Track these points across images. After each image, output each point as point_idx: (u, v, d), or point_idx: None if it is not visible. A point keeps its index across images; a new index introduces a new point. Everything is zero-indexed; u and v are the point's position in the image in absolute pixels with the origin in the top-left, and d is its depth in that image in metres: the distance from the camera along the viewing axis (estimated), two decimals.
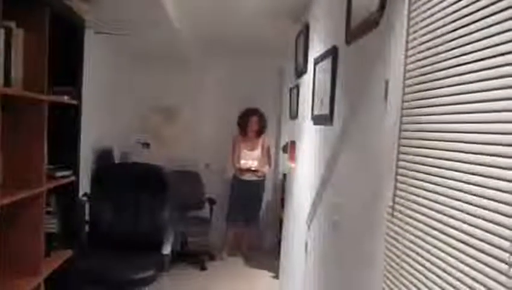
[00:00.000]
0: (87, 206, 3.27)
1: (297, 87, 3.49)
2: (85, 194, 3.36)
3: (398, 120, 1.41)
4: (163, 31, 3.30)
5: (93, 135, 3.81)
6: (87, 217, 3.19)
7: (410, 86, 1.34)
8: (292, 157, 3.53)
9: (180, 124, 4.87)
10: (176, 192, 3.98)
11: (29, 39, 1.79)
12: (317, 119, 2.63)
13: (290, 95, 3.90)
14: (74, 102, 2.18)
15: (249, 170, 4.61)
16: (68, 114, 2.21)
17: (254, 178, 4.67)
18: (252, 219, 4.69)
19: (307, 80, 3.06)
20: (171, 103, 4.91)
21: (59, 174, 2.06)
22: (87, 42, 2.62)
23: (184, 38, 3.77)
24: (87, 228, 3.12)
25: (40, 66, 1.83)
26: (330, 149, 2.30)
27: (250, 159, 4.65)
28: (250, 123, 4.68)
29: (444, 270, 1.03)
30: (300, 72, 3.36)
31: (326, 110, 2.36)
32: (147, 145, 4.73)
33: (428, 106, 1.20)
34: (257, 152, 4.69)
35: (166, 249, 2.83)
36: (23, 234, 1.83)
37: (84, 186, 3.35)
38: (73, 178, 2.19)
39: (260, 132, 4.74)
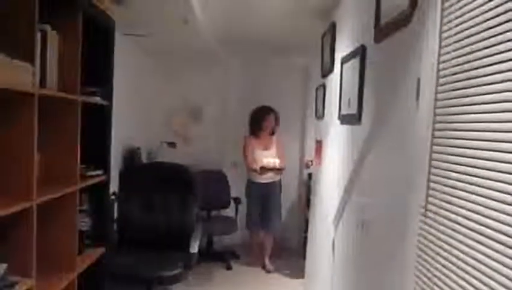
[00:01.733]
0: (115, 205, 3.33)
1: (324, 86, 3.47)
2: (113, 193, 3.42)
3: (431, 119, 1.39)
4: (189, 31, 3.34)
5: (121, 135, 3.87)
6: (115, 216, 3.25)
7: (443, 84, 1.32)
8: (318, 157, 3.51)
9: (205, 123, 4.91)
10: (201, 191, 4.02)
11: (63, 42, 1.84)
12: (345, 119, 2.61)
13: (316, 95, 3.88)
14: (105, 102, 2.22)
15: (269, 169, 4.29)
16: (98, 115, 2.26)
17: (271, 180, 4.36)
18: (273, 223, 4.40)
19: (333, 79, 3.04)
20: (197, 103, 4.96)
21: (91, 173, 2.11)
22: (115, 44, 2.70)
23: (209, 38, 3.80)
24: (115, 226, 3.18)
25: (73, 67, 1.88)
26: (358, 149, 2.28)
27: (267, 159, 4.34)
28: (266, 122, 4.38)
29: (482, 272, 1.01)
30: (326, 71, 3.35)
31: (354, 110, 2.34)
32: (172, 144, 4.79)
33: (463, 105, 1.18)
34: (272, 151, 4.38)
35: (194, 248, 2.86)
36: (58, 231, 1.88)
37: (112, 185, 3.42)
38: (104, 177, 2.23)
39: (274, 130, 4.46)
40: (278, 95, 4.65)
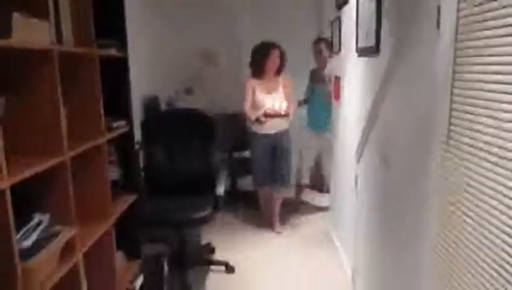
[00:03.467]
0: (140, 154, 3.43)
1: (339, 19, 3.37)
2: (137, 143, 3.50)
3: (453, 49, 1.36)
4: None
5: (138, 84, 3.90)
6: (141, 165, 3.36)
7: (464, 12, 1.28)
8: (336, 94, 3.49)
9: (221, 67, 4.86)
10: (220, 135, 4.08)
11: None
12: (363, 51, 2.57)
13: (332, 28, 3.78)
14: (121, 54, 2.23)
15: (273, 116, 3.65)
16: (115, 66, 2.27)
17: (277, 129, 3.75)
18: (284, 181, 3.89)
19: (349, 10, 2.95)
20: (210, 47, 4.89)
21: (115, 125, 2.15)
22: None
23: None
24: (142, 175, 3.29)
25: (87, 21, 1.87)
26: (377, 81, 2.26)
27: (271, 104, 3.69)
28: (270, 60, 3.70)
29: (506, 196, 1.04)
30: (341, 3, 3.24)
31: (372, 41, 2.29)
32: (189, 90, 4.80)
33: (485, 38, 1.15)
34: (279, 94, 3.73)
35: (220, 190, 2.95)
36: (92, 182, 1.96)
37: (135, 134, 3.50)
38: (128, 128, 2.28)
39: (280, 70, 3.79)
40: (291, 31, 4.50)
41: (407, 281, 1.79)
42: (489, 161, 1.12)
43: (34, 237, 1.44)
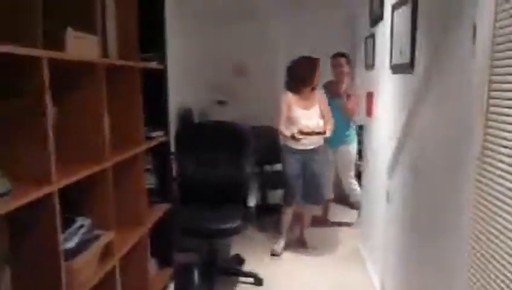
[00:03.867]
0: (174, 165, 3.52)
1: (373, 36, 3.39)
2: (171, 153, 3.60)
3: (488, 65, 1.36)
4: None
5: (173, 96, 4.02)
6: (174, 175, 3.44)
7: (501, 28, 1.28)
8: (370, 109, 3.49)
9: (254, 79, 4.93)
10: (253, 147, 4.13)
11: (120, 10, 1.92)
12: (396, 68, 2.57)
13: (365, 45, 3.80)
14: (161, 67, 2.32)
15: (310, 135, 3.47)
16: (155, 78, 2.36)
17: (313, 146, 3.59)
18: (318, 199, 3.77)
19: (383, 27, 2.97)
20: (244, 60, 4.98)
21: (153, 134, 2.24)
22: None
23: None
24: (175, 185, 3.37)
25: (131, 35, 1.97)
26: (411, 98, 2.26)
27: (309, 120, 3.53)
28: (317, 75, 3.61)
29: None
30: (375, 19, 3.26)
31: (406, 58, 2.30)
32: (222, 102, 4.89)
33: None
34: (316, 111, 3.60)
35: (251, 202, 2.99)
36: (129, 189, 2.04)
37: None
38: (165, 138, 2.37)
39: (315, 87, 3.68)
40: (323, 47, 4.53)
41: None
42: None
43: (76, 239, 1.52)
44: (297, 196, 3.66)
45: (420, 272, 2.06)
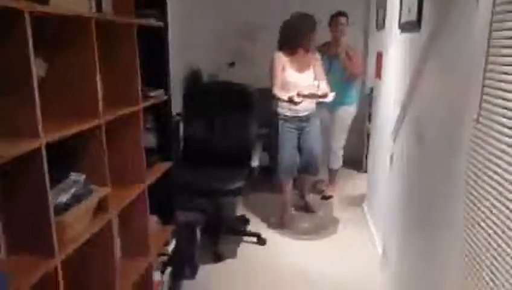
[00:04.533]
0: (181, 124, 3.53)
1: None
2: (178, 114, 3.61)
3: (489, 22, 1.29)
4: None
5: (182, 57, 3.98)
6: (181, 135, 3.46)
7: None
8: (379, 71, 3.40)
9: (264, 41, 4.83)
10: (260, 109, 4.10)
11: None
12: (405, 27, 2.48)
13: (377, 4, 3.66)
14: (160, 24, 2.28)
15: (310, 98, 3.15)
16: (155, 37, 2.33)
17: (307, 112, 3.34)
18: (313, 168, 3.54)
19: None
20: (254, 21, 4.87)
21: (152, 94, 2.22)
22: None
23: None
24: (182, 145, 3.39)
25: None
26: (416, 58, 2.18)
27: (305, 84, 3.22)
28: (314, 34, 3.29)
29: None
30: None
31: (413, 16, 2.21)
32: (232, 64, 4.83)
33: None
34: (311, 74, 3.31)
35: (255, 162, 2.99)
36: (127, 147, 2.05)
37: (177, 106, 3.60)
38: (165, 97, 2.35)
39: (310, 49, 3.38)
40: (337, 6, 4.37)
41: (433, 260, 1.76)
42: None
43: (69, 194, 1.54)
44: (290, 171, 3.40)
45: (418, 234, 2.05)
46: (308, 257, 3.10)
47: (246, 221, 3.55)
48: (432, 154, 1.87)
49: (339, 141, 4.06)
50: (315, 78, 3.30)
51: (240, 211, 3.76)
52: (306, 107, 3.28)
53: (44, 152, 1.32)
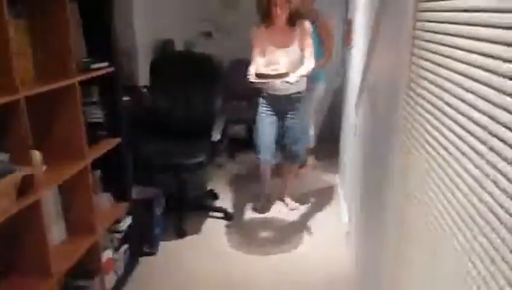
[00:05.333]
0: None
1: None
2: (145, 86, 3.50)
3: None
4: None
5: (151, 26, 3.83)
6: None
7: None
8: (348, 39, 3.26)
9: (242, 11, 4.66)
10: (234, 81, 3.97)
11: None
12: None
13: None
14: None
15: (266, 76, 2.68)
16: (100, 5, 2.20)
17: (291, 91, 2.91)
18: (295, 153, 3.15)
19: None
20: None
21: (94, 66, 2.11)
22: None
23: None
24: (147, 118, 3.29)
25: None
26: (372, 26, 2.05)
27: (285, 61, 2.78)
28: (275, 6, 2.78)
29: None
30: None
31: None
32: (208, 34, 4.68)
33: None
34: (295, 48, 2.84)
35: (215, 137, 2.90)
36: (64, 123, 1.95)
37: (145, 78, 3.49)
38: (110, 69, 2.24)
39: (293, 18, 2.83)
40: None
41: (377, 231, 1.70)
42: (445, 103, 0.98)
43: None
44: (267, 153, 3.06)
45: (371, 201, 1.98)
46: (274, 232, 3.05)
47: (215, 196, 3.49)
48: (381, 120, 1.78)
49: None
50: (300, 54, 2.84)
51: (213, 185, 3.69)
52: (287, 86, 2.78)
53: None
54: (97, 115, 2.26)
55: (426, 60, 1.10)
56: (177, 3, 4.40)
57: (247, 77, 2.76)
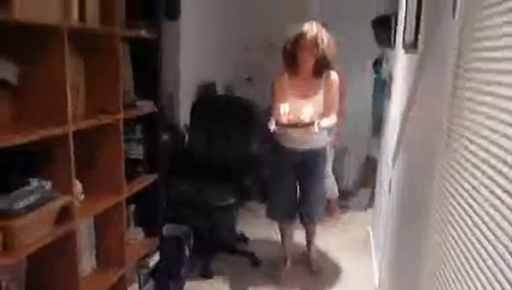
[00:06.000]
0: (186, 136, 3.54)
1: (396, 11, 3.15)
2: (185, 126, 3.61)
3: (458, 44, 1.19)
4: None
5: (195, 69, 4.00)
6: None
7: None
8: (389, 93, 3.27)
9: (280, 58, 4.78)
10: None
11: None
12: (407, 46, 2.37)
13: (390, 21, 3.55)
14: (152, 36, 2.27)
15: (293, 127, 2.55)
16: (149, 48, 2.33)
17: (309, 146, 2.75)
18: (313, 213, 2.94)
19: (403, 3, 2.74)
20: (274, 38, 4.83)
21: (140, 104, 2.22)
22: None
23: None
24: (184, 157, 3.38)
25: (113, 1, 1.93)
26: (411, 81, 2.07)
27: (303, 111, 2.54)
28: (302, 51, 2.63)
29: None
30: None
31: (412, 35, 2.11)
32: (249, 79, 4.81)
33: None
34: (318, 100, 2.68)
35: (249, 180, 2.93)
36: (106, 156, 2.04)
37: (185, 118, 3.61)
38: (154, 109, 2.34)
39: (320, 69, 2.68)
40: (353, 23, 4.20)
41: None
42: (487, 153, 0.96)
43: (28, 200, 1.53)
44: (287, 216, 2.89)
45: (403, 267, 1.92)
46: (303, 283, 2.97)
47: (244, 239, 3.47)
48: (416, 179, 1.75)
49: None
50: (327, 105, 2.68)
51: (243, 228, 3.67)
52: (307, 139, 2.66)
53: None
54: (137, 151, 2.34)
55: (464, 118, 1.09)
56: (222, 48, 4.58)
57: (268, 125, 2.56)
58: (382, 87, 3.66)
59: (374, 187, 4.04)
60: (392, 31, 3.40)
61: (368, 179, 4.28)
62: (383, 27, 3.52)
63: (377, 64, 4.01)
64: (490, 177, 0.87)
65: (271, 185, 2.93)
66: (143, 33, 2.21)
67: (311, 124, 2.49)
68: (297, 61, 2.68)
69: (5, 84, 1.59)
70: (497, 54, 0.90)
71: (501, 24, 0.87)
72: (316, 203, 2.92)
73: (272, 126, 2.51)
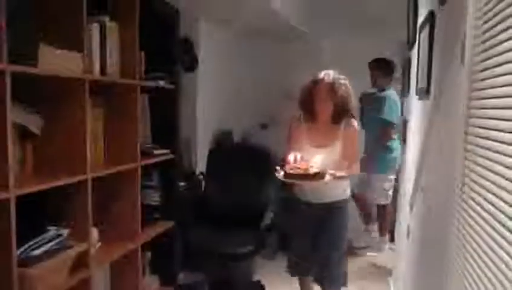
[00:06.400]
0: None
1: (409, 60, 3.21)
2: (201, 173, 3.64)
3: (467, 91, 1.21)
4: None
5: (212, 117, 4.08)
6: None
7: (485, 50, 1.12)
8: (404, 136, 3.28)
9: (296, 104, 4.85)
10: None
11: (124, 31, 2.00)
12: (420, 93, 2.40)
13: (403, 70, 3.61)
14: (169, 86, 2.36)
15: (302, 178, 2.21)
16: (167, 98, 2.42)
17: (330, 199, 2.45)
18: (329, 278, 2.51)
19: (415, 51, 2.80)
20: (290, 86, 4.93)
21: (156, 152, 2.27)
22: (201, 30, 3.05)
23: (297, 16, 3.78)
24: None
25: (132, 54, 2.03)
26: (426, 126, 2.08)
27: (314, 160, 2.23)
28: (318, 97, 2.41)
29: None
30: (411, 43, 3.08)
31: (424, 83, 2.14)
32: (264, 126, 4.87)
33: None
34: (335, 149, 2.41)
35: (265, 227, 2.90)
36: (123, 203, 2.07)
37: (201, 166, 3.65)
38: (171, 156, 2.38)
39: (338, 116, 2.44)
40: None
41: None
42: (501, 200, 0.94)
43: (45, 247, 1.56)
44: (303, 270, 2.59)
45: None
46: None
47: (261, 288, 3.38)
48: (434, 222, 1.72)
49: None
50: (345, 154, 2.40)
51: (260, 277, 3.59)
52: (320, 191, 2.41)
53: (13, 206, 1.34)
54: (154, 198, 2.37)
55: (479, 164, 1.09)
56: (238, 97, 4.69)
57: (276, 175, 2.24)
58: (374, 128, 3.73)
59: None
60: (406, 78, 3.46)
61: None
62: (380, 68, 3.92)
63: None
64: (504, 225, 0.86)
65: (289, 242, 2.69)
66: (161, 84, 2.29)
67: (321, 174, 2.19)
68: (314, 107, 2.47)
69: (28, 134, 1.65)
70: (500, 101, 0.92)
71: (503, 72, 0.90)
72: (335, 268, 2.52)
73: (280, 175, 2.21)
